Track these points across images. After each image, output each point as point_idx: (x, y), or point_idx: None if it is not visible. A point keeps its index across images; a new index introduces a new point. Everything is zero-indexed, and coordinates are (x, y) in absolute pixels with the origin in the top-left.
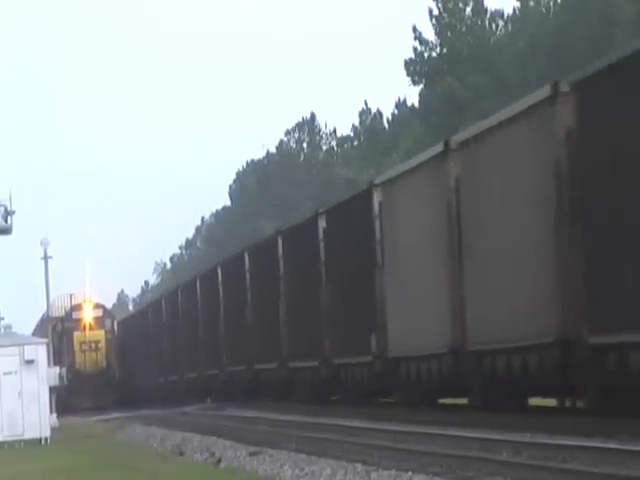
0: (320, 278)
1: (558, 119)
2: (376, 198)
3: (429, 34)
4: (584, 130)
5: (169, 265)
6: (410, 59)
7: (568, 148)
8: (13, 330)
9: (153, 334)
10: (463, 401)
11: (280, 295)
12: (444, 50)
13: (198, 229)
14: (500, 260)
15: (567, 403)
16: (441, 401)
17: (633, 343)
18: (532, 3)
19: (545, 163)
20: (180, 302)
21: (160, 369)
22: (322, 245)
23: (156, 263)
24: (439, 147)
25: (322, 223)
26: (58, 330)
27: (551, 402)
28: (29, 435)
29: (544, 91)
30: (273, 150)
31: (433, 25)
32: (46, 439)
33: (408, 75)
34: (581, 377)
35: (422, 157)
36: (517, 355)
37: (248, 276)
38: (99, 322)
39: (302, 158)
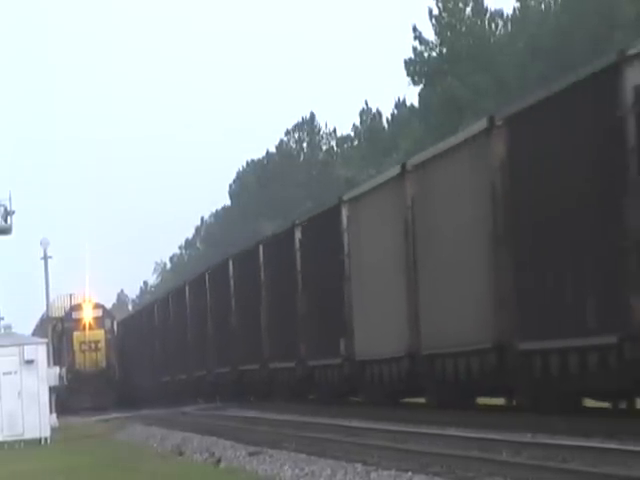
0: (296, 286)
1: (493, 149)
2: (344, 213)
3: (429, 34)
4: (514, 159)
5: (169, 265)
6: (410, 59)
7: (502, 175)
8: (13, 330)
9: (152, 334)
10: (421, 401)
11: (261, 301)
12: (444, 50)
13: (198, 229)
14: (448, 274)
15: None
16: (404, 400)
17: (554, 349)
18: (533, 3)
19: (483, 188)
20: (170, 306)
21: (159, 369)
22: (298, 255)
23: (156, 263)
24: (397, 169)
25: (298, 234)
26: (58, 330)
27: (499, 401)
28: (29, 435)
29: (482, 123)
30: (273, 150)
31: (433, 25)
32: (46, 439)
33: (408, 75)
34: (514, 379)
35: (383, 177)
36: (462, 359)
37: (232, 283)
38: (99, 322)
39: (302, 158)
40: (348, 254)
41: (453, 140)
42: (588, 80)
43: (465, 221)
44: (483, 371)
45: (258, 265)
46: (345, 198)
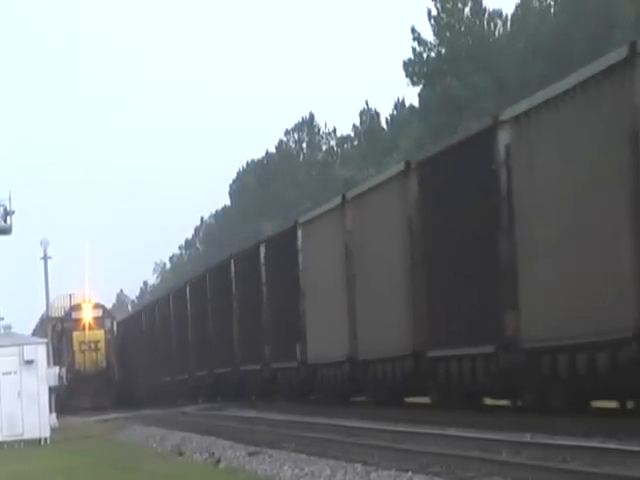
0: (262, 297)
1: (409, 188)
2: (300, 234)
3: (428, 35)
4: (424, 199)
5: (168, 265)
6: (409, 60)
7: (417, 211)
8: (13, 330)
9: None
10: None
11: (233, 310)
12: (443, 50)
13: (197, 229)
14: (377, 291)
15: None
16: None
17: (453, 356)
18: (535, 3)
19: (401, 221)
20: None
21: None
22: (263, 269)
23: (155, 263)
24: (338, 200)
25: (263, 250)
26: (58, 330)
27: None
28: (29, 435)
29: (400, 166)
30: (273, 150)
31: (432, 26)
32: (46, 439)
33: (407, 76)
34: (426, 381)
35: (329, 205)
36: (389, 364)
37: (209, 294)
38: (99, 322)
39: (302, 158)
40: (302, 270)
41: (381, 177)
42: (472, 138)
43: (390, 248)
44: (404, 375)
45: (230, 278)
46: (300, 221)
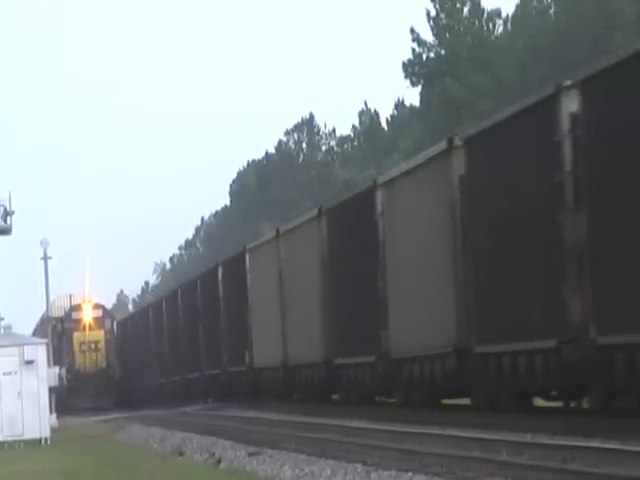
0: (219, 310)
1: (454, 166)
2: (247, 259)
3: (427, 35)
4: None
5: (169, 266)
6: (408, 60)
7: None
8: (13, 330)
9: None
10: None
11: (220, 314)
12: (442, 51)
13: (198, 229)
14: (298, 309)
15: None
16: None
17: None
18: (535, 3)
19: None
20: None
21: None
22: (221, 288)
23: (156, 264)
24: (273, 233)
25: (220, 271)
26: (58, 330)
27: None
28: (29, 435)
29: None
30: (272, 150)
31: (431, 26)
32: (46, 439)
33: (406, 76)
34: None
35: (266, 237)
36: (309, 369)
37: (200, 299)
38: (99, 322)
39: (301, 158)
40: (250, 290)
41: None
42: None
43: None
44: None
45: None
46: (248, 247)
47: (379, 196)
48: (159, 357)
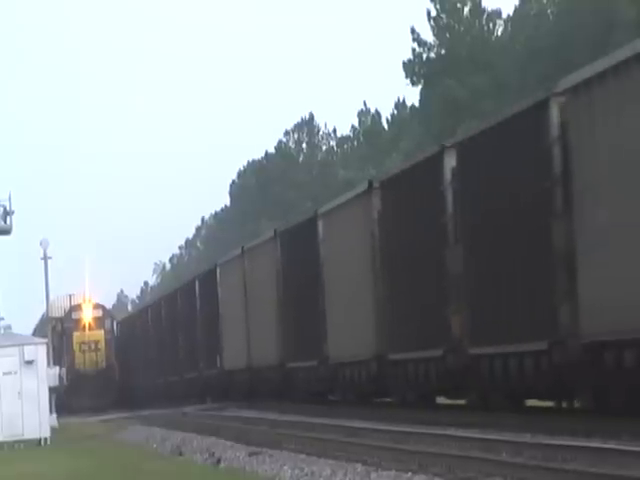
0: (196, 322)
1: (373, 204)
2: (218, 273)
3: (428, 35)
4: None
5: (168, 266)
6: (409, 60)
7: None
8: (13, 330)
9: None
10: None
11: (197, 324)
12: (442, 51)
13: (198, 229)
14: (256, 319)
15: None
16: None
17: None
18: (534, 3)
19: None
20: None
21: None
22: (198, 302)
23: (155, 264)
24: (238, 250)
25: (197, 285)
26: (58, 330)
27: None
28: (29, 436)
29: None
30: (272, 150)
31: (431, 26)
32: (46, 440)
33: (407, 76)
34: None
35: (232, 254)
36: (268, 372)
37: (198, 301)
38: (99, 322)
39: (301, 158)
40: (222, 303)
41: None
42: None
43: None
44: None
45: (195, 297)
46: (219, 262)
47: (320, 224)
48: (153, 359)
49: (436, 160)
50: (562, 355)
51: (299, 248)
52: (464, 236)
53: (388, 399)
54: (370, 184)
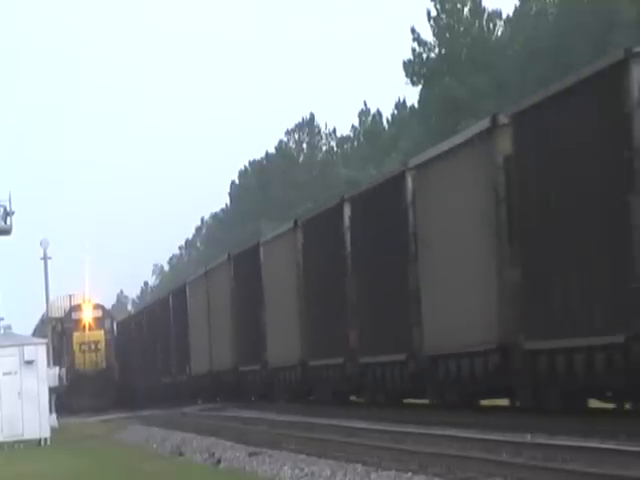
0: (187, 324)
1: (297, 238)
2: (187, 290)
3: (428, 35)
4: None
5: (167, 267)
6: (409, 60)
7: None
8: (13, 330)
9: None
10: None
11: (171, 334)
12: (442, 51)
13: (198, 229)
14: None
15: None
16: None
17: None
18: (534, 3)
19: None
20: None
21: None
22: (188, 305)
23: (154, 266)
24: (202, 270)
25: (188, 290)
26: (58, 330)
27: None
28: (29, 436)
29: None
30: (273, 151)
31: (431, 26)
32: (45, 440)
33: (407, 76)
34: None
35: (197, 273)
36: (251, 374)
37: (171, 313)
38: (99, 322)
39: (302, 158)
40: (190, 317)
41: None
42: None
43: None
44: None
45: (185, 302)
46: (187, 281)
47: (262, 252)
48: (149, 360)
49: (338, 208)
50: (414, 364)
51: (247, 270)
52: (357, 270)
53: (311, 397)
54: (295, 222)
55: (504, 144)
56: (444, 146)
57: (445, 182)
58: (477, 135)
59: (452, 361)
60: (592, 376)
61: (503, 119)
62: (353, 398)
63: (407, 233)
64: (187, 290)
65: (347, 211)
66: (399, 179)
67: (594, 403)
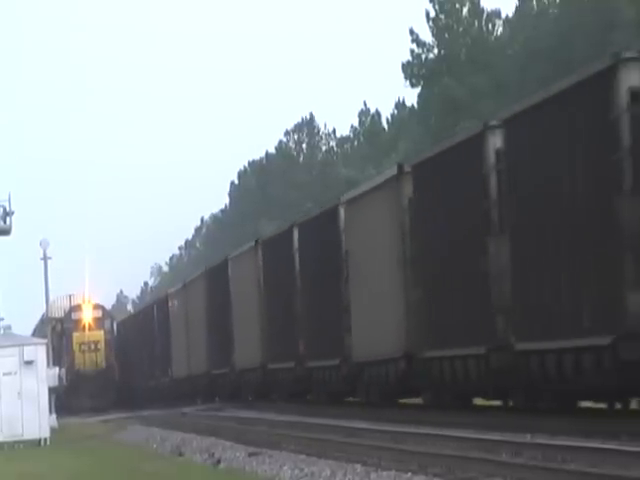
0: (169, 331)
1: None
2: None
3: (427, 36)
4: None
5: (166, 268)
6: (408, 61)
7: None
8: (13, 331)
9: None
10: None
11: (155, 341)
12: (441, 51)
13: (198, 230)
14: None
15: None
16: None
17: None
18: (534, 3)
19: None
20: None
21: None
22: (170, 315)
23: (152, 267)
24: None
25: (169, 300)
26: (57, 331)
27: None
28: (28, 436)
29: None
30: (272, 151)
31: (430, 27)
32: (45, 440)
33: (406, 77)
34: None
35: (194, 277)
36: (198, 379)
37: (155, 322)
38: (98, 323)
39: (302, 159)
40: (172, 325)
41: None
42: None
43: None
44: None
45: (141, 325)
46: (169, 292)
47: (229, 267)
48: (145, 361)
49: (289, 232)
50: (346, 368)
51: (218, 284)
52: (304, 287)
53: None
54: (256, 242)
55: (408, 189)
56: (366, 186)
57: (365, 217)
58: (387, 180)
59: (373, 367)
60: (470, 380)
61: (407, 168)
62: (310, 397)
63: (340, 256)
64: (168, 301)
65: (296, 235)
66: (334, 211)
67: (476, 403)
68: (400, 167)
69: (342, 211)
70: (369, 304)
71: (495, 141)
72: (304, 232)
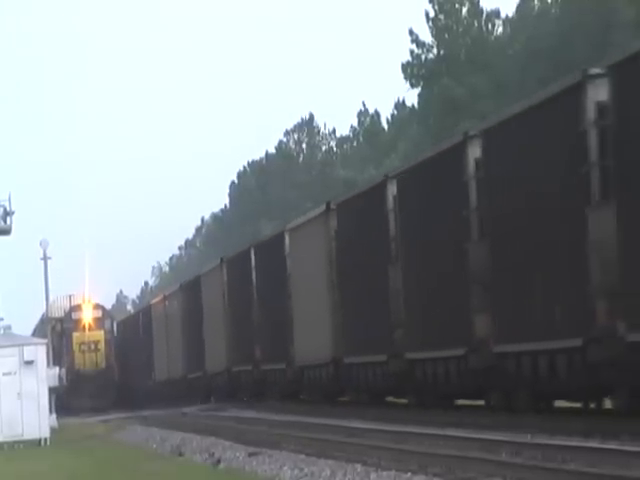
0: (151, 340)
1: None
2: (166, 303)
3: (426, 36)
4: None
5: (166, 268)
6: (407, 62)
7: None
8: (13, 331)
9: (151, 335)
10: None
11: (140, 346)
12: (441, 52)
13: (198, 229)
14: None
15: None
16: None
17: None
18: (536, 2)
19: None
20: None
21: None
22: (152, 323)
23: (153, 267)
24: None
25: (152, 310)
26: (57, 331)
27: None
28: (28, 436)
29: (321, 208)
30: (272, 151)
31: (430, 27)
32: (45, 440)
33: (405, 78)
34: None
35: (173, 289)
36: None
37: (141, 330)
38: (98, 323)
39: (301, 159)
40: (154, 333)
41: (304, 217)
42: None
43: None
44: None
45: (138, 327)
46: (152, 302)
47: (202, 283)
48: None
49: (247, 253)
50: (291, 372)
51: (190, 299)
52: (261, 303)
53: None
54: (221, 259)
55: (334, 222)
56: (304, 218)
57: (303, 245)
58: (318, 215)
59: (311, 370)
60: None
61: (333, 205)
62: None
63: (285, 277)
64: (151, 312)
65: (253, 255)
66: (281, 237)
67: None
68: (328, 204)
69: (287, 237)
70: (307, 319)
71: (474, 151)
72: (259, 253)
